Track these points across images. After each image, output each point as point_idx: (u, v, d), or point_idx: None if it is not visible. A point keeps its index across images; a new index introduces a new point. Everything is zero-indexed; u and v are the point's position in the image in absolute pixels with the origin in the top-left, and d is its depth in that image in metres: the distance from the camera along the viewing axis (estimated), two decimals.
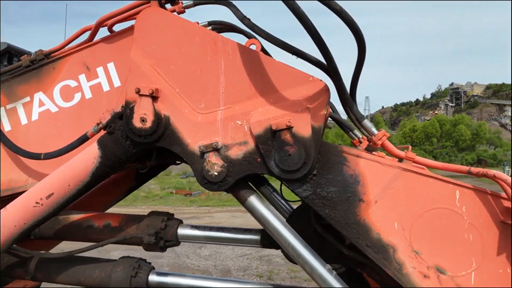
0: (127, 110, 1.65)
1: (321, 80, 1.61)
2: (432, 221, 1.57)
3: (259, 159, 1.62)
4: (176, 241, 2.05)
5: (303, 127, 1.57)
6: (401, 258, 1.58)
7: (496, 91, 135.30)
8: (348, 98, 1.66)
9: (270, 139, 1.58)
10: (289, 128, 1.56)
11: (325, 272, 1.65)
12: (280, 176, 1.60)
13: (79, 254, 2.00)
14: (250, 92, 1.64)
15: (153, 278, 2.03)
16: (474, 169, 1.58)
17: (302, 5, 1.37)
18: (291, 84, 1.61)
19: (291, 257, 1.72)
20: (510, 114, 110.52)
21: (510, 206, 1.50)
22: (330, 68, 1.53)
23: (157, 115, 1.63)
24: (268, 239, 1.97)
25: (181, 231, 2.06)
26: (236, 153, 1.63)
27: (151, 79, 1.67)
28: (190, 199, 20.74)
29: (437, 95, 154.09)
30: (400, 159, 1.69)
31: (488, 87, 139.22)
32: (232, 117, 1.64)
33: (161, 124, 1.64)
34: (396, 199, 1.60)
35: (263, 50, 2.09)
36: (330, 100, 2.09)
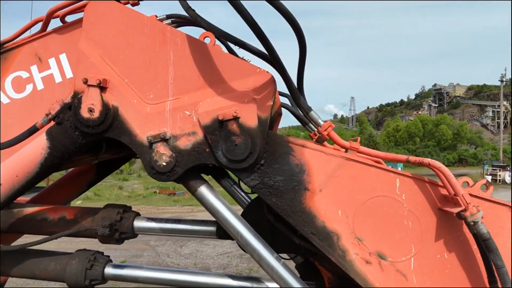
0: (75, 101, 1.65)
1: (267, 71, 1.64)
2: (373, 208, 1.62)
3: (207, 149, 1.64)
4: (132, 233, 2.05)
5: (250, 117, 1.60)
6: (344, 245, 1.62)
7: (477, 92, 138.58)
8: (295, 89, 1.70)
9: (217, 130, 1.60)
10: (235, 119, 1.59)
11: (272, 260, 1.68)
12: (228, 166, 1.62)
13: (35, 247, 1.99)
14: (198, 83, 1.66)
15: (109, 270, 2.03)
16: (411, 158, 1.64)
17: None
18: (239, 75, 1.64)
19: (241, 245, 1.75)
20: (491, 115, 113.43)
21: (446, 193, 1.57)
22: (272, 58, 1.56)
23: (105, 105, 1.64)
24: (223, 230, 1.99)
25: (137, 223, 2.06)
26: (184, 143, 1.65)
27: (99, 69, 1.67)
28: (174, 198, 20.61)
29: (421, 96, 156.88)
30: (346, 149, 1.74)
31: (470, 88, 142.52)
32: (181, 108, 1.66)
33: (109, 114, 1.65)
34: (339, 188, 1.64)
35: (231, 51, 2.11)
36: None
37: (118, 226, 2.02)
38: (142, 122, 1.67)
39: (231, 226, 1.71)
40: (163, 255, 9.82)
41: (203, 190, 1.72)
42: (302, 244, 1.90)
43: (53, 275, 2.00)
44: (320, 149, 1.66)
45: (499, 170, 34.25)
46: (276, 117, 1.86)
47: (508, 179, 32.85)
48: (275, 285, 1.85)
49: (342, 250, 1.62)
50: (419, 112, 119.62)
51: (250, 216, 2.02)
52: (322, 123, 1.73)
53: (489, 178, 33.22)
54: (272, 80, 1.63)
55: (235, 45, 1.61)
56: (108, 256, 2.14)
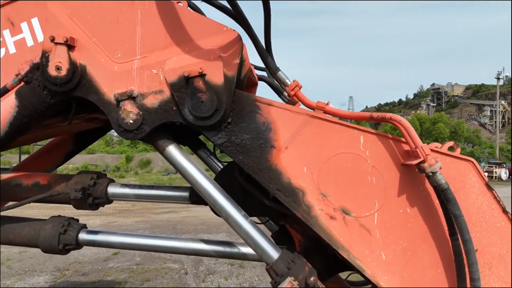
0: (43, 59, 1.66)
1: (234, 30, 1.66)
2: (338, 165, 1.64)
3: (174, 108, 1.66)
4: (106, 198, 2.07)
5: (216, 74, 1.61)
6: (309, 201, 1.64)
7: (475, 91, 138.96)
8: (262, 48, 1.71)
9: (183, 87, 1.62)
10: (201, 75, 1.60)
11: (239, 217, 1.70)
12: (194, 123, 1.64)
13: (11, 214, 2.01)
14: (165, 42, 1.67)
15: (83, 236, 2.05)
16: (374, 114, 1.66)
17: None
18: (206, 34, 1.66)
19: (210, 205, 1.77)
20: (489, 114, 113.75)
21: (409, 149, 1.59)
22: (235, 13, 1.58)
23: (72, 63, 1.65)
24: (196, 195, 2.01)
25: (112, 189, 2.08)
26: (151, 101, 1.67)
27: (68, 28, 1.69)
28: None
29: (420, 96, 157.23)
30: (312, 109, 1.76)
31: (468, 87, 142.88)
32: (148, 66, 1.67)
33: (77, 72, 1.66)
34: (305, 145, 1.66)
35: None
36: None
37: (92, 191, 2.04)
38: (109, 81, 1.68)
39: (199, 184, 1.72)
40: None
41: (171, 149, 1.74)
42: (272, 206, 1.92)
43: (27, 240, 2.02)
44: (286, 107, 1.68)
45: (495, 167, 34.37)
46: (245, 80, 1.88)
47: (504, 176, 32.96)
48: (249, 249, 1.87)
49: (307, 206, 1.64)
50: (418, 112, 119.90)
51: (222, 180, 2.04)
52: (289, 83, 1.75)
53: (485, 175, 33.29)
54: (239, 38, 1.64)
55: None
56: (85, 225, 2.17)
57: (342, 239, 1.62)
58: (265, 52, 1.74)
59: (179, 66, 1.62)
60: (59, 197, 2.03)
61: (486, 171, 33.97)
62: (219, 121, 1.63)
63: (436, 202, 1.59)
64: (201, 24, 1.66)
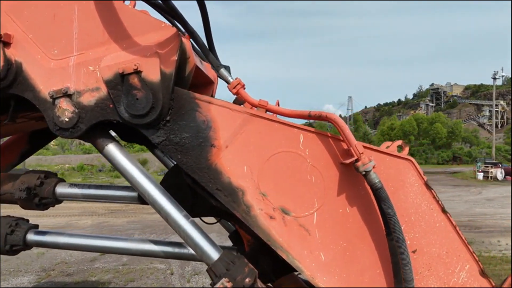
0: None
1: (173, 26, 1.63)
2: (278, 164, 1.61)
3: (111, 105, 1.63)
4: (53, 198, 2.04)
5: (152, 71, 1.58)
6: (249, 201, 1.61)
7: (474, 91, 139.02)
8: (202, 45, 1.68)
9: (119, 84, 1.59)
10: (137, 72, 1.57)
11: (179, 217, 1.66)
12: (130, 121, 1.61)
13: None
14: (103, 38, 1.64)
15: (31, 236, 2.02)
16: (312, 112, 1.63)
17: None
18: (143, 30, 1.62)
19: (150, 204, 1.73)
20: (487, 114, 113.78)
21: (347, 147, 1.55)
22: (169, 9, 1.55)
23: (7, 60, 1.62)
24: None
25: (60, 189, 2.05)
26: (88, 99, 1.63)
27: (4, 25, 1.66)
28: None
29: (419, 96, 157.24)
30: (255, 107, 1.73)
31: (467, 87, 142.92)
32: (85, 63, 1.64)
33: (12, 69, 1.63)
34: (245, 144, 1.63)
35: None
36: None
37: (38, 191, 2.01)
38: (46, 78, 1.65)
39: (138, 183, 1.69)
40: None
41: (111, 148, 1.71)
42: (220, 206, 1.89)
43: None
44: (226, 105, 1.65)
45: (491, 167, 34.33)
46: (190, 78, 1.84)
47: (499, 176, 32.93)
48: None
49: (247, 205, 1.61)
50: (417, 112, 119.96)
51: (171, 180, 2.01)
52: (232, 80, 1.72)
53: (481, 175, 33.37)
54: (177, 35, 1.61)
55: None
56: (37, 225, 2.14)
57: (281, 239, 1.59)
58: (207, 49, 1.71)
59: (114, 63, 1.59)
60: (5, 196, 2.00)
61: (482, 171, 34.02)
62: (156, 119, 1.60)
63: (375, 202, 1.56)
64: (139, 21, 1.63)
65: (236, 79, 1.73)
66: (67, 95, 1.62)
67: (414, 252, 1.56)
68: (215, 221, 2.39)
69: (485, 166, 34.83)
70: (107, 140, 1.71)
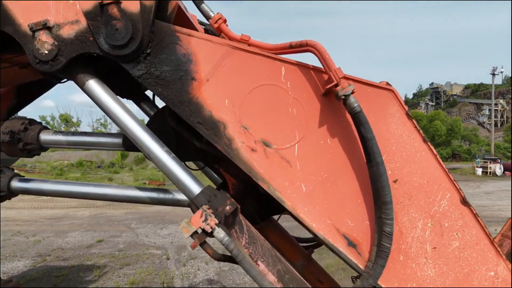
0: None
1: None
2: (259, 97, 1.60)
3: (91, 38, 1.61)
4: (38, 145, 2.03)
5: (131, 2, 1.56)
6: (231, 134, 1.60)
7: (474, 90, 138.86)
8: None
9: (99, 15, 1.58)
10: (116, 3, 1.56)
11: (161, 152, 1.65)
12: (110, 52, 1.59)
13: None
14: None
15: (15, 183, 2.01)
16: (293, 42, 1.62)
17: None
18: None
19: (132, 141, 1.72)
20: (487, 113, 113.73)
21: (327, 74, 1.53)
22: None
23: None
24: (129, 141, 1.97)
25: (44, 136, 2.04)
26: (68, 32, 1.62)
27: None
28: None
29: (419, 95, 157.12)
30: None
31: (467, 87, 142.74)
32: None
33: None
34: (226, 77, 1.62)
35: None
36: None
37: (22, 136, 2.00)
38: (25, 11, 1.63)
39: (120, 121, 1.68)
40: (141, 235, 9.79)
41: (92, 84, 1.70)
42: (204, 148, 1.88)
43: None
44: (207, 38, 1.64)
45: (490, 162, 34.29)
46: (171, 18, 1.82)
47: (498, 172, 32.90)
48: (182, 196, 1.83)
49: (229, 138, 1.60)
50: (416, 110, 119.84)
51: (154, 125, 2.00)
52: (213, 15, 1.71)
53: (479, 170, 33.36)
54: None
55: None
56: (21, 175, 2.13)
57: (262, 171, 1.58)
58: None
59: None
60: None
61: (481, 167, 33.96)
62: (136, 51, 1.59)
63: (356, 132, 1.55)
64: None
65: (217, 13, 1.71)
66: (46, 27, 1.61)
67: (395, 182, 1.56)
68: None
69: (484, 162, 34.81)
70: (88, 76, 1.70)
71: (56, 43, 1.61)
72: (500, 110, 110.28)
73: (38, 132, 2.03)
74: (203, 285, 6.08)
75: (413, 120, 1.57)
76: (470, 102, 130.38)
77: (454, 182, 1.54)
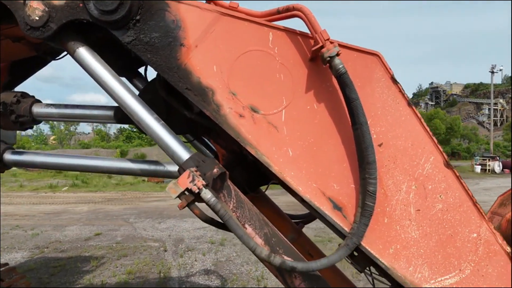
0: None
1: None
2: (247, 63, 1.62)
3: (81, 4, 1.63)
4: (30, 117, 2.05)
5: None
6: (219, 100, 1.62)
7: (474, 90, 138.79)
8: None
9: None
10: None
11: (151, 119, 1.67)
12: (99, 18, 1.61)
13: None
14: None
15: (8, 156, 2.03)
16: (280, 8, 1.64)
17: None
18: None
19: (122, 108, 1.73)
20: (487, 112, 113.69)
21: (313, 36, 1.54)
22: None
23: None
24: (121, 112, 1.99)
25: (36, 108, 2.06)
26: None
27: None
28: (161, 185, 20.60)
29: (418, 95, 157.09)
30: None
31: (467, 86, 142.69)
32: None
33: None
34: (215, 43, 1.64)
35: None
36: None
37: (15, 108, 2.02)
38: None
39: (110, 88, 1.70)
40: (139, 229, 9.81)
41: (82, 51, 1.71)
42: (194, 119, 1.90)
43: None
44: (195, 4, 1.66)
45: (489, 160, 34.34)
46: None
47: (497, 169, 32.94)
48: (173, 167, 1.85)
49: (217, 104, 1.62)
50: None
51: (145, 96, 2.02)
52: None
53: (478, 168, 33.38)
54: None
55: None
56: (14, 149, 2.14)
57: (250, 136, 1.60)
58: None
59: None
60: None
61: (479, 164, 33.98)
62: (125, 17, 1.60)
63: (343, 98, 1.57)
64: None
65: None
66: None
67: (380, 145, 1.57)
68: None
69: (483, 159, 34.84)
70: (78, 43, 1.72)
71: (46, 9, 1.63)
72: (500, 109, 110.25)
73: (30, 105, 2.05)
74: (199, 275, 6.11)
75: (399, 84, 1.59)
76: (469, 102, 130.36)
77: (438, 146, 1.56)
